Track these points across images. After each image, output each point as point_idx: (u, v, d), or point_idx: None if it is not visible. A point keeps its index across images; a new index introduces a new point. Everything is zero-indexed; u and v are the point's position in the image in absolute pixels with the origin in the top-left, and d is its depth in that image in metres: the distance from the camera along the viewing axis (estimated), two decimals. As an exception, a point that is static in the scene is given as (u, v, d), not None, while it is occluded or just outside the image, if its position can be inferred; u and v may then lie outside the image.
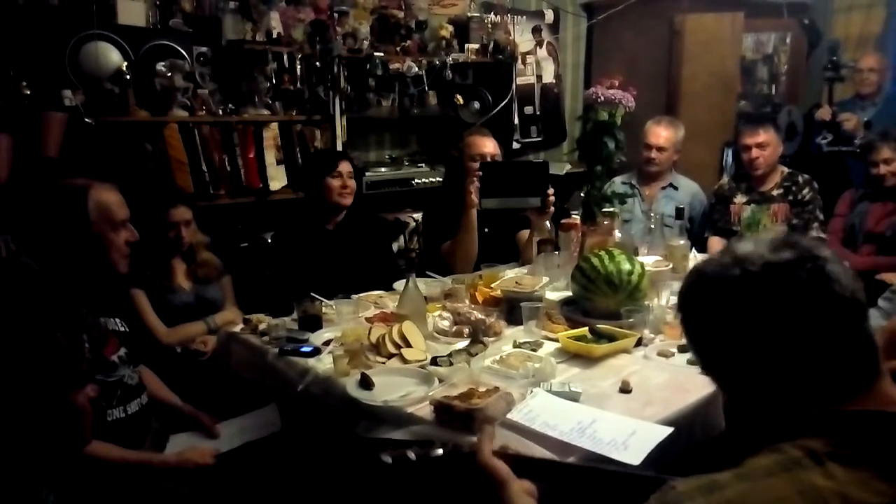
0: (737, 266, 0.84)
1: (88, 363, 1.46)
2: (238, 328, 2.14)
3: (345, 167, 2.77)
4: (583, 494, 1.06)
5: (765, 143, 3.37)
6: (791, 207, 3.38)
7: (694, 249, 2.70)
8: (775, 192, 3.41)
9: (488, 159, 2.72)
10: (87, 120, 2.76)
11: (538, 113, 4.57)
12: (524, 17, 4.48)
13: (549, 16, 4.62)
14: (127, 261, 1.80)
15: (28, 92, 2.67)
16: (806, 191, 3.38)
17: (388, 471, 1.00)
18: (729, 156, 4.19)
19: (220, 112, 3.22)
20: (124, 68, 2.89)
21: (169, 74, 3.01)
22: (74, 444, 1.47)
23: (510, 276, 2.34)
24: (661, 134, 3.53)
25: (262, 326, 2.07)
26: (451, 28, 3.94)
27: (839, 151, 3.93)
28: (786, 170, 3.48)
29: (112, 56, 2.89)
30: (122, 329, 1.84)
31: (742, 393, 0.88)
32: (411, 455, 1.00)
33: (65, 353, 1.33)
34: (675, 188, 3.59)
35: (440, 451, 1.01)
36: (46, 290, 1.62)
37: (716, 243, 3.39)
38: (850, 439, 0.77)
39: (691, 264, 2.52)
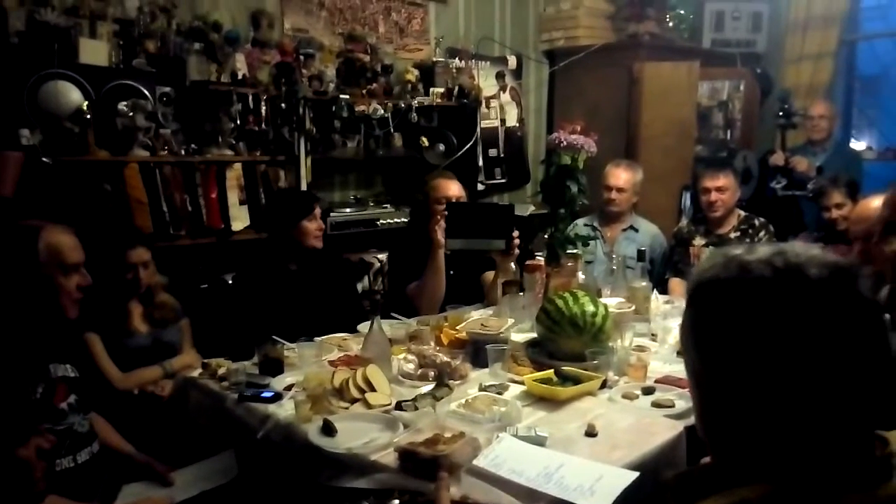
0: (769, 266, 0.79)
1: (36, 412, 1.39)
2: (196, 373, 2.08)
3: (317, 209, 2.78)
4: None
5: (724, 187, 3.46)
6: (748, 250, 3.44)
7: (655, 291, 2.73)
8: (733, 235, 3.49)
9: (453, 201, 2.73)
10: (44, 159, 2.70)
11: (502, 155, 4.64)
12: (488, 62, 4.58)
13: (513, 62, 4.73)
14: (77, 306, 1.75)
15: (-17, 130, 2.62)
16: (762, 233, 3.46)
17: None
18: (687, 199, 4.28)
19: (183, 152, 3.18)
20: (85, 108, 2.84)
21: (131, 114, 2.97)
22: (27, 499, 1.40)
23: (475, 318, 2.34)
24: (621, 175, 3.61)
25: (221, 371, 2.01)
26: (416, 72, 4.00)
27: (793, 196, 4.05)
28: (742, 213, 3.57)
29: (72, 95, 2.84)
30: (72, 375, 1.77)
31: (728, 418, 0.80)
32: None
33: (10, 405, 1.27)
34: (636, 230, 3.65)
35: (397, 501, 1.00)
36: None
37: (676, 285, 3.43)
38: (792, 485, 0.73)
39: (653, 306, 2.57)
